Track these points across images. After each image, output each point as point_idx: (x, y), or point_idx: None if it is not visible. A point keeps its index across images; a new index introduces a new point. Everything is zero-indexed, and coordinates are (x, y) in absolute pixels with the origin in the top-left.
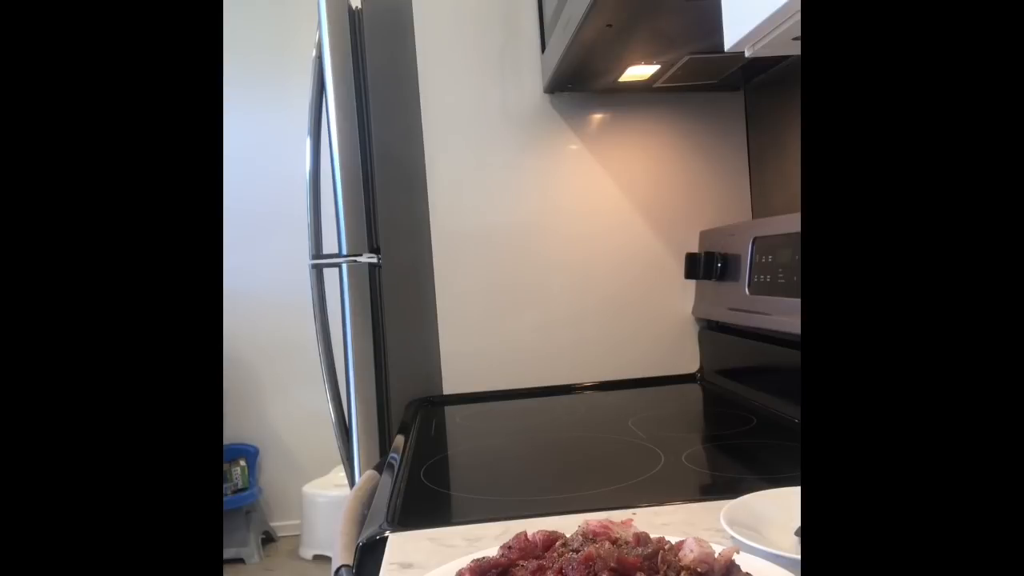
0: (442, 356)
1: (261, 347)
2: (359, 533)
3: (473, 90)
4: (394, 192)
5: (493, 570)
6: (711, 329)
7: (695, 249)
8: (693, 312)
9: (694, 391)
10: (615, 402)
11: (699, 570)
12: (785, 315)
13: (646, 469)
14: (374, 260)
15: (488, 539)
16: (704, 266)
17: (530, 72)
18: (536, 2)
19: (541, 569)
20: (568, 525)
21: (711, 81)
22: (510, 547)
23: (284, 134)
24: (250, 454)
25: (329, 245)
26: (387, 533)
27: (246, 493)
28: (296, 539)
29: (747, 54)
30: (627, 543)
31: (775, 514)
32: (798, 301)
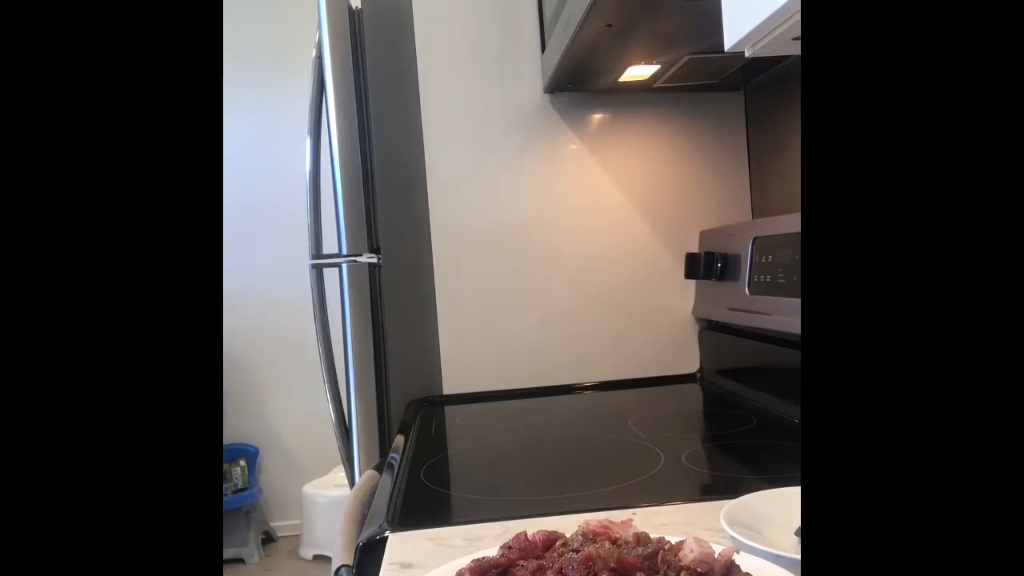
0: (442, 356)
1: (261, 347)
2: (359, 533)
3: (473, 90)
4: (394, 192)
5: (493, 570)
6: (711, 329)
7: (695, 249)
8: (693, 312)
9: (694, 391)
10: (615, 402)
11: (699, 570)
12: (785, 315)
13: (646, 469)
14: (374, 260)
15: (488, 539)
16: (704, 266)
17: (530, 72)
18: (536, 2)
19: (541, 569)
20: (568, 525)
21: (711, 81)
22: (510, 547)
23: (284, 134)
24: (250, 454)
25: (329, 245)
26: (387, 533)
27: (246, 493)
28: (296, 539)
29: (747, 54)
30: (627, 543)
31: (775, 514)
32: (798, 301)
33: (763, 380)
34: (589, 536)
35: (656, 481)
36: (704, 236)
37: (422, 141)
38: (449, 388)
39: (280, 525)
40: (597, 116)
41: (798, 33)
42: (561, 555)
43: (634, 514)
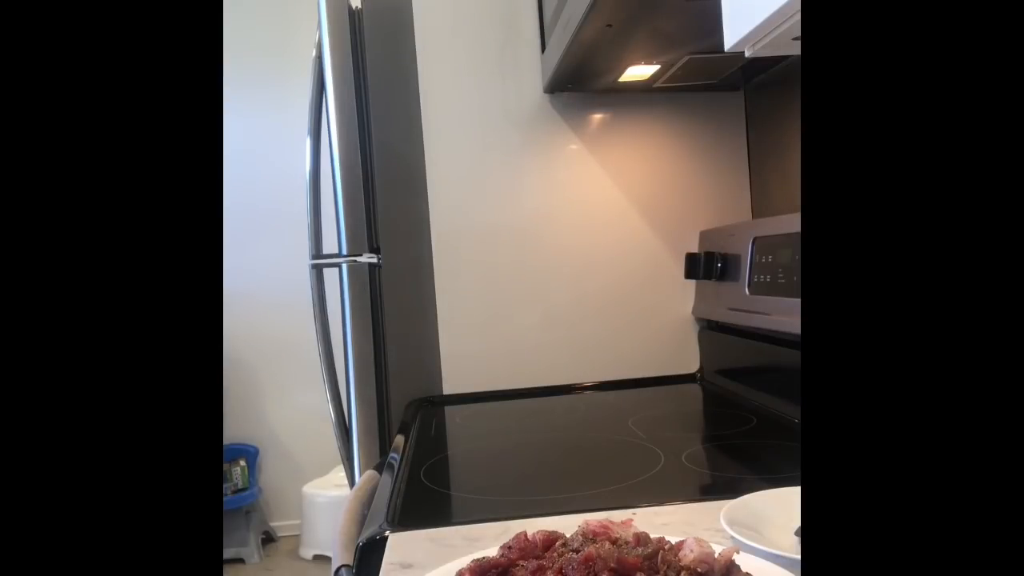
0: (442, 356)
1: (261, 347)
2: (359, 533)
3: (473, 90)
4: (394, 192)
5: (493, 570)
6: (711, 329)
7: (695, 249)
8: (693, 312)
9: (694, 391)
10: (615, 402)
11: (699, 570)
12: (785, 315)
13: (646, 469)
14: (374, 260)
15: (488, 539)
16: (704, 266)
17: (530, 72)
18: (536, 2)
19: (541, 569)
20: (568, 525)
21: (711, 81)
22: (510, 547)
23: (284, 134)
24: (250, 454)
25: (329, 245)
26: (387, 533)
27: (246, 493)
28: (296, 539)
29: (747, 54)
30: (627, 543)
31: (775, 514)
32: (798, 301)
33: (763, 380)
34: (589, 536)
35: (656, 481)
36: (704, 236)
37: (422, 141)
38: (449, 388)
39: (280, 525)
40: (597, 116)
41: (798, 33)
42: (561, 555)
43: (634, 514)
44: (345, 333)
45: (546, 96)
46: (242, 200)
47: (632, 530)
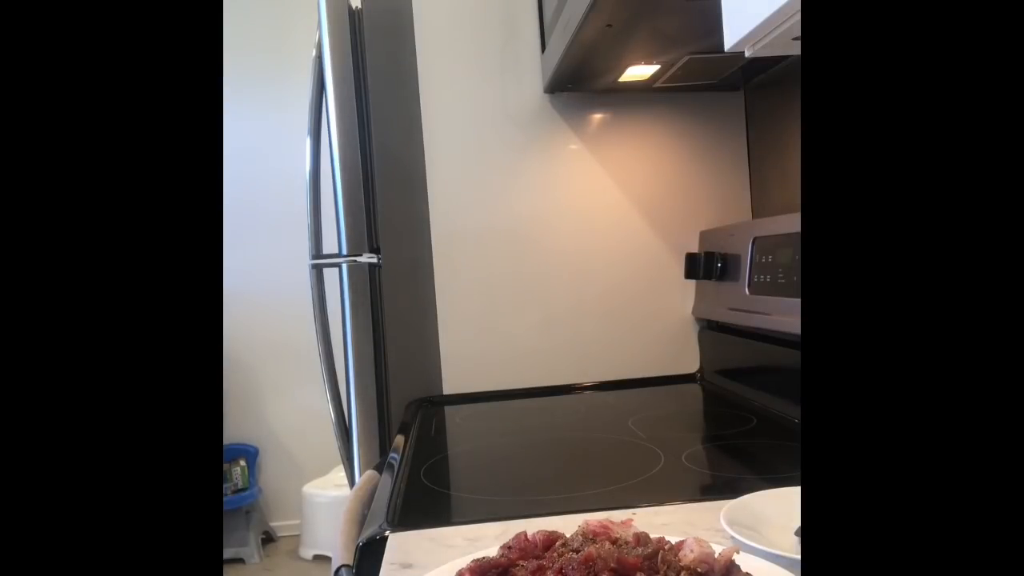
0: (442, 356)
1: (261, 347)
2: (359, 533)
3: (473, 90)
4: (394, 192)
5: (493, 570)
6: (711, 329)
7: (695, 249)
8: (693, 312)
9: (694, 391)
10: (615, 402)
11: (699, 570)
12: (785, 315)
13: (646, 469)
14: (374, 260)
15: (488, 539)
16: (704, 266)
17: (530, 72)
18: (536, 2)
19: (541, 569)
20: (568, 525)
21: (711, 81)
22: (510, 547)
23: (284, 134)
24: (250, 454)
25: (329, 245)
26: (387, 533)
27: (246, 493)
28: (296, 539)
29: (747, 54)
30: (627, 543)
31: (775, 514)
32: (798, 301)
33: (763, 380)
34: (589, 536)
35: (656, 481)
36: (704, 236)
37: (422, 141)
38: (449, 388)
39: (280, 525)
40: (597, 116)
41: (798, 33)
42: (561, 555)
43: (634, 514)
44: (345, 333)
45: (546, 96)
46: (242, 200)
47: (632, 530)
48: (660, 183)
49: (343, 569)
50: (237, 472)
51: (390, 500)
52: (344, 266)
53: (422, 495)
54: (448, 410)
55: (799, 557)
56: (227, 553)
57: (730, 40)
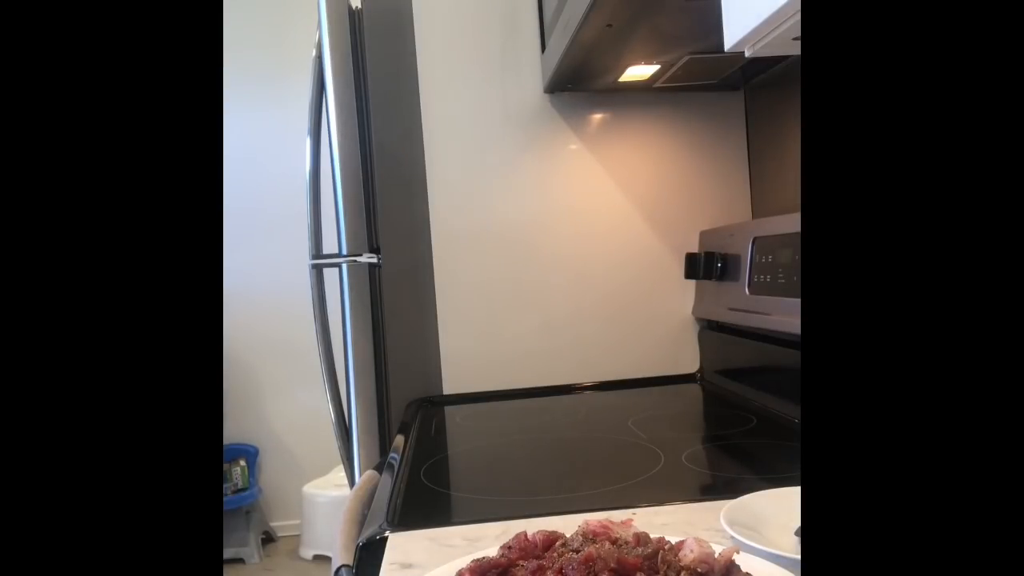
0: (442, 356)
1: (261, 347)
2: (359, 533)
3: (473, 90)
4: (394, 192)
5: (493, 570)
6: (711, 329)
7: (695, 249)
8: (693, 312)
9: (694, 391)
10: (615, 402)
11: (699, 570)
12: (785, 315)
13: (646, 469)
14: (374, 260)
15: (488, 539)
16: (704, 266)
17: (530, 72)
18: (536, 2)
19: (541, 569)
20: (568, 525)
21: (711, 81)
22: (510, 547)
23: (284, 134)
24: (250, 454)
25: (329, 245)
26: (387, 533)
27: (246, 493)
28: (296, 539)
29: (747, 54)
30: (627, 543)
31: (775, 514)
32: (798, 301)
33: (763, 380)
34: (589, 536)
35: (656, 481)
36: (704, 236)
37: (422, 141)
38: (449, 388)
39: (280, 525)
40: (597, 116)
41: (798, 33)
42: (561, 555)
43: (634, 514)
44: (345, 333)
45: (546, 96)
46: (242, 200)
47: (632, 530)
48: (660, 183)
49: (343, 569)
50: (237, 472)
51: (390, 500)
52: (344, 266)
53: (422, 495)
54: (448, 410)
55: (799, 557)
56: (227, 553)
57: (730, 40)
